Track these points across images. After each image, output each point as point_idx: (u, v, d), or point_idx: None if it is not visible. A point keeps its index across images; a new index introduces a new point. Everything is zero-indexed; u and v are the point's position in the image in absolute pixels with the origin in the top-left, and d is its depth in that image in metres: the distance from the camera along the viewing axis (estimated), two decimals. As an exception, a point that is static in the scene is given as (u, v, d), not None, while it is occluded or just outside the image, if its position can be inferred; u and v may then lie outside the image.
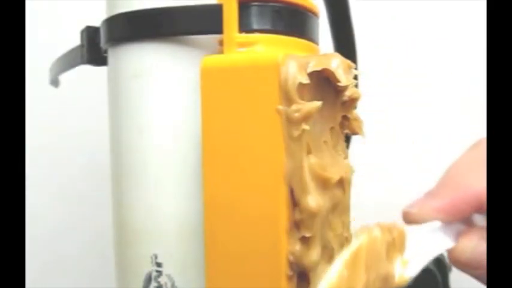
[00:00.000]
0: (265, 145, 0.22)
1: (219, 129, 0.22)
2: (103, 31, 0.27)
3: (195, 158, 0.25)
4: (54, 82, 0.36)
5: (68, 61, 0.32)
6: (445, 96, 0.62)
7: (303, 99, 0.21)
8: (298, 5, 0.25)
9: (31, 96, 0.37)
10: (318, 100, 0.22)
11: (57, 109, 0.55)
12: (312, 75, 0.22)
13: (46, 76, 0.36)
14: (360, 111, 0.26)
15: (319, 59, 0.22)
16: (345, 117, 0.25)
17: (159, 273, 0.25)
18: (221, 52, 0.24)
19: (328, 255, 0.24)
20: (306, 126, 0.21)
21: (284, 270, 0.22)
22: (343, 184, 0.24)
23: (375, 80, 0.45)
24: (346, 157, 0.26)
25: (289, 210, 0.22)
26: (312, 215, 0.22)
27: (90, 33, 0.29)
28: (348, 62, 0.23)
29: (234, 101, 0.22)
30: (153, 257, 0.25)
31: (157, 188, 0.26)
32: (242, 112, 0.22)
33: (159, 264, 0.25)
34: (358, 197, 0.28)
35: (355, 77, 0.24)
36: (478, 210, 0.23)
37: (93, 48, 0.29)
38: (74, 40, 0.30)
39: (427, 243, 0.23)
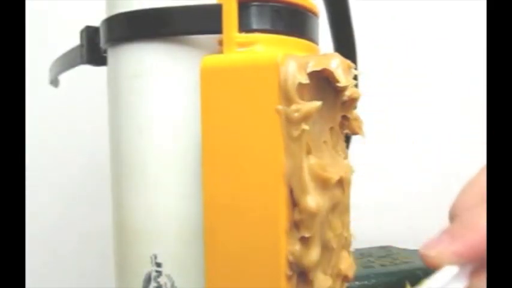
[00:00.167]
0: (264, 145, 0.22)
1: (219, 129, 0.22)
2: (103, 31, 0.27)
3: (194, 157, 0.25)
4: (54, 82, 0.36)
5: (68, 61, 0.32)
6: (445, 96, 0.62)
7: (302, 99, 0.21)
8: (298, 5, 0.25)
9: (31, 96, 0.37)
10: (318, 100, 0.22)
11: (57, 109, 0.55)
12: (312, 75, 0.22)
13: (46, 76, 0.36)
14: (360, 111, 0.26)
15: (318, 59, 0.22)
16: (345, 117, 0.25)
17: (159, 273, 0.25)
18: (221, 52, 0.24)
19: (328, 255, 0.24)
20: (305, 126, 0.21)
21: (283, 270, 0.22)
22: (342, 184, 0.24)
23: (375, 80, 0.45)
24: (346, 157, 0.26)
25: (289, 210, 0.22)
26: (312, 215, 0.22)
27: (89, 33, 0.29)
28: (348, 62, 0.23)
29: (234, 101, 0.22)
30: (153, 257, 0.26)
31: (157, 188, 0.26)
32: (242, 112, 0.22)
33: (158, 265, 0.25)
34: (358, 197, 0.28)
35: (355, 77, 0.24)
36: None
37: (93, 48, 0.29)
38: (74, 40, 0.30)
39: None
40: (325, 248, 0.23)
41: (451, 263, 0.22)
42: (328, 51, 0.28)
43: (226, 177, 0.22)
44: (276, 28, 0.24)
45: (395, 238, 0.53)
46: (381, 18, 0.59)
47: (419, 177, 0.62)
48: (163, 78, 0.25)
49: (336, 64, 0.23)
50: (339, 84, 0.23)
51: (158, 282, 0.25)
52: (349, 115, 0.25)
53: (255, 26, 0.24)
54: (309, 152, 0.22)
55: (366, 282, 0.42)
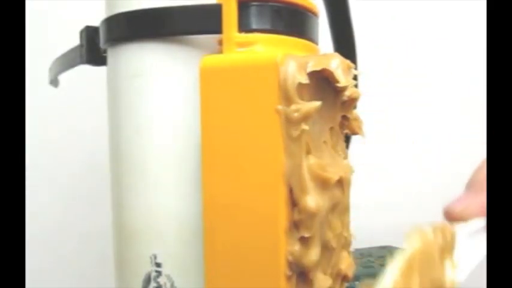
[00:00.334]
0: (264, 145, 0.22)
1: (219, 129, 0.22)
2: (102, 31, 0.27)
3: (194, 157, 0.25)
4: (54, 82, 0.36)
5: (68, 61, 0.32)
6: (445, 96, 0.62)
7: (302, 99, 0.21)
8: (297, 4, 0.25)
9: (31, 96, 0.37)
10: (318, 100, 0.22)
11: (57, 109, 0.55)
12: (312, 75, 0.22)
13: (46, 76, 0.36)
14: (360, 111, 0.26)
15: (318, 59, 0.22)
16: (345, 117, 0.25)
17: (159, 273, 0.25)
18: (220, 52, 0.24)
19: (328, 255, 0.24)
20: (305, 126, 0.21)
21: (283, 270, 0.22)
22: (342, 184, 0.24)
23: (375, 80, 0.45)
24: (345, 157, 0.26)
25: (289, 210, 0.22)
26: (311, 215, 0.22)
27: (89, 33, 0.29)
28: (348, 62, 0.23)
29: (233, 101, 0.22)
30: (153, 257, 0.25)
31: (157, 188, 0.26)
32: (241, 112, 0.22)
33: (158, 265, 0.25)
34: (358, 197, 0.28)
35: (355, 77, 0.24)
36: None
37: (93, 48, 0.29)
38: (74, 40, 0.30)
39: (474, 244, 0.22)
40: (325, 248, 0.23)
41: (478, 215, 0.22)
42: (328, 51, 0.28)
43: (226, 177, 0.22)
44: (276, 28, 0.24)
45: (395, 238, 0.53)
46: (381, 18, 0.59)
47: (419, 177, 0.62)
48: (163, 78, 0.25)
49: (336, 64, 0.23)
50: (338, 84, 0.23)
51: (158, 282, 0.25)
52: (349, 115, 0.25)
53: (254, 26, 0.24)
54: (308, 152, 0.22)
55: (365, 282, 0.42)
